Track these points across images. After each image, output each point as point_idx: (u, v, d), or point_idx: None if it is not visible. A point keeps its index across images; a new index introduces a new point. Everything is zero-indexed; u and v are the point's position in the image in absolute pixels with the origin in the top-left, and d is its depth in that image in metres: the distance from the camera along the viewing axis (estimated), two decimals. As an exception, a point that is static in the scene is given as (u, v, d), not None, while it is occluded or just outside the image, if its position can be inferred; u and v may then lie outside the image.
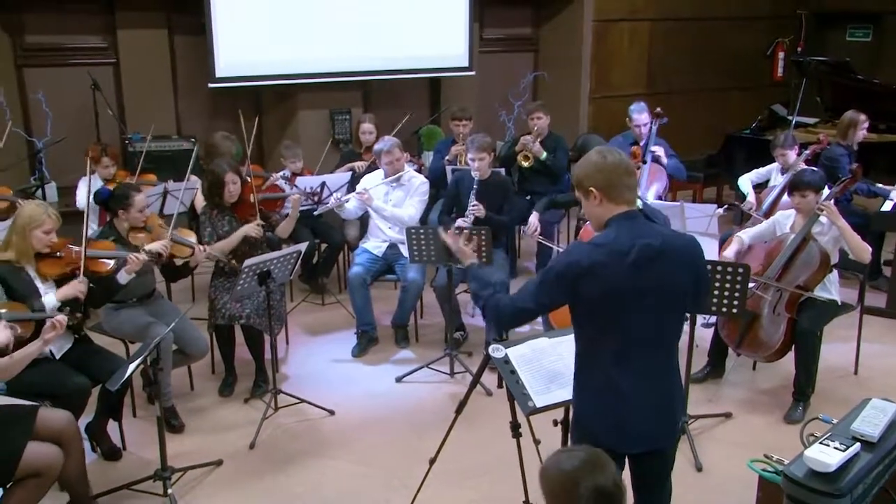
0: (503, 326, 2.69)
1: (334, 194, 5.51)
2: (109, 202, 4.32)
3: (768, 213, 5.33)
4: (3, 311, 3.31)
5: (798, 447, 2.72)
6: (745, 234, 4.68)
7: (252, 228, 4.66)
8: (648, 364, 2.51)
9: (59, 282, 3.81)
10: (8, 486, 3.15)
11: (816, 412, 3.35)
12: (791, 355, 4.43)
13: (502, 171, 5.96)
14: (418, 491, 3.60)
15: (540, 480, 2.10)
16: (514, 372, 2.99)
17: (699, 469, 3.91)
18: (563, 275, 2.46)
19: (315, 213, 5.50)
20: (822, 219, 4.43)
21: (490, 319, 2.70)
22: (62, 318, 3.40)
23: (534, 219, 5.43)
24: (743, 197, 6.04)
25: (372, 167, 5.93)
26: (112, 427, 4.09)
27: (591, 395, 2.56)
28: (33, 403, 3.45)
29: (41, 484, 3.15)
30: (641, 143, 6.16)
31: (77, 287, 3.73)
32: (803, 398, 4.41)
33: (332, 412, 4.48)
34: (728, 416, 4.43)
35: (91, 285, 3.86)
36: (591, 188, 2.49)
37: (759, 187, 6.35)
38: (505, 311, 2.64)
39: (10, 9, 6.72)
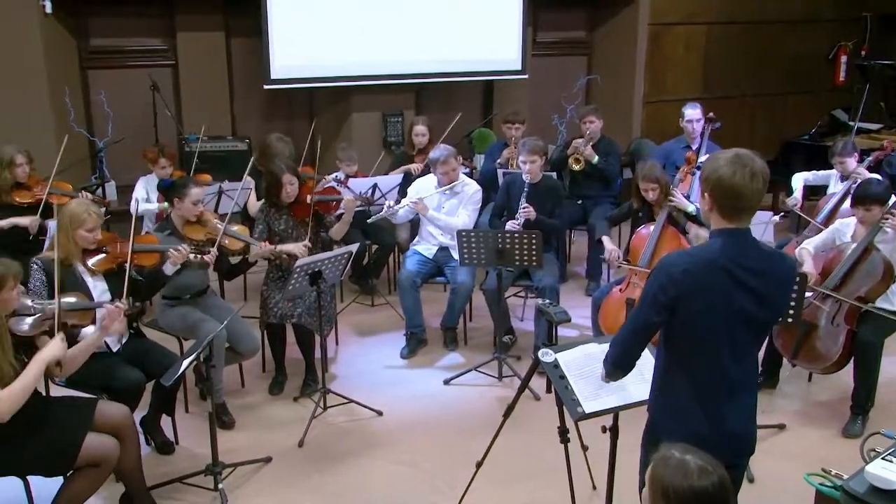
0: (620, 357, 2.59)
1: (387, 198, 5.53)
2: (170, 190, 4.44)
3: (827, 221, 5.20)
4: (67, 300, 3.41)
5: (856, 462, 2.65)
6: (810, 245, 4.55)
7: (298, 248, 4.64)
8: (732, 379, 2.46)
9: (108, 276, 3.90)
10: (68, 474, 3.24)
11: (876, 427, 3.25)
12: (849, 367, 4.32)
13: (553, 174, 5.92)
14: (464, 493, 3.60)
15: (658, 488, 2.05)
16: (563, 377, 2.96)
17: (751, 480, 3.82)
18: (663, 289, 2.39)
19: (368, 220, 5.53)
20: (888, 227, 4.28)
21: (613, 364, 2.60)
22: (121, 304, 3.49)
23: (609, 244, 5.06)
24: (791, 193, 5.92)
25: (427, 170, 5.94)
26: (165, 422, 4.18)
27: (672, 405, 2.51)
28: (92, 396, 3.55)
29: (99, 474, 3.24)
30: (694, 147, 6.08)
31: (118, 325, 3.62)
32: (862, 412, 4.28)
33: (380, 413, 4.50)
34: (782, 427, 4.33)
35: (139, 278, 3.97)
36: (707, 194, 2.41)
37: (816, 192, 6.20)
38: (614, 341, 2.57)
39: (76, 13, 6.93)
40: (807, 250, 4.51)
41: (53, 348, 3.16)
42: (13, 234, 5.02)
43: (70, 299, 3.47)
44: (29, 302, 3.25)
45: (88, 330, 3.51)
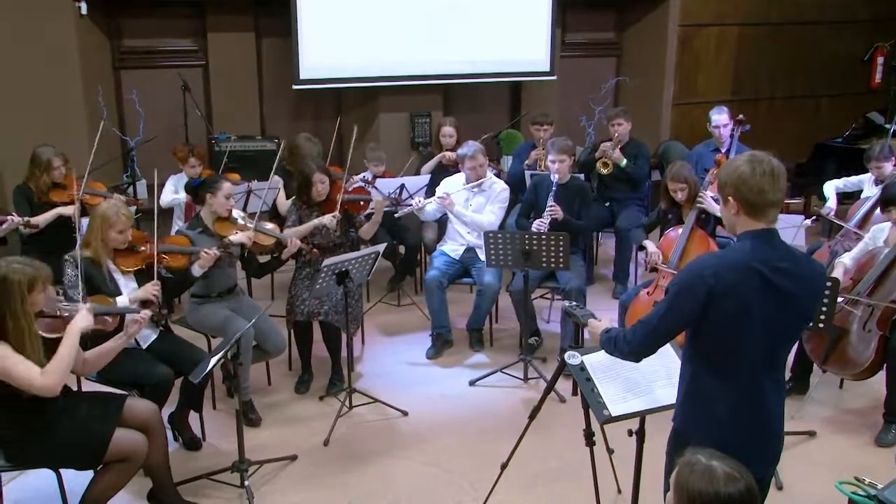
0: (637, 355, 2.58)
1: (414, 196, 5.55)
2: (199, 188, 4.48)
3: (860, 226, 5.12)
4: (91, 304, 3.46)
5: (890, 471, 2.61)
6: (848, 259, 4.48)
7: (325, 219, 4.72)
8: (761, 385, 2.42)
9: (138, 275, 3.95)
10: (98, 468, 3.29)
11: (909, 435, 3.20)
12: (882, 374, 4.24)
13: (581, 176, 5.90)
14: (489, 495, 3.60)
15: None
16: (589, 379, 2.95)
17: (780, 488, 3.77)
18: (694, 291, 2.34)
19: (395, 215, 5.55)
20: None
21: (618, 353, 2.61)
22: (146, 313, 3.53)
23: (652, 247, 4.92)
24: (825, 201, 5.85)
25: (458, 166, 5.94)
26: (193, 418, 4.22)
27: (698, 410, 2.47)
28: (122, 392, 3.60)
29: (128, 468, 3.29)
30: (723, 150, 6.03)
31: (149, 290, 3.84)
32: (895, 420, 4.21)
33: (405, 413, 4.51)
34: (812, 434, 4.26)
35: (169, 276, 4.00)
36: (731, 198, 2.38)
37: (849, 197, 6.11)
38: (630, 338, 2.52)
39: (110, 14, 7.03)
40: (843, 264, 4.44)
41: (83, 319, 3.19)
42: (55, 227, 5.07)
43: (98, 305, 3.51)
44: (59, 305, 3.29)
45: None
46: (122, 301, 3.78)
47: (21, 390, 3.04)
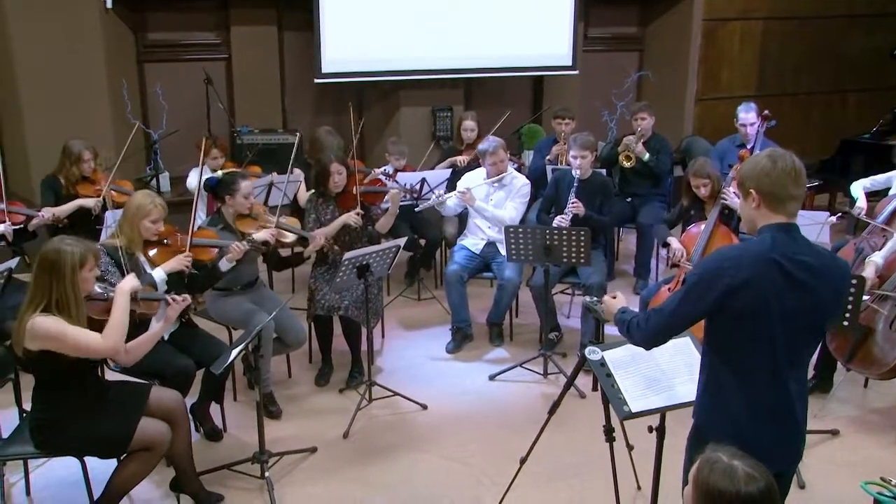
0: (648, 343, 2.58)
1: (434, 191, 5.55)
2: (217, 189, 4.49)
3: (889, 223, 5.04)
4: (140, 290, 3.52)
5: (915, 471, 2.57)
6: (879, 257, 4.42)
7: (351, 217, 4.74)
8: (782, 383, 2.39)
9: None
10: (122, 457, 3.33)
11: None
12: (908, 374, 4.19)
13: (603, 171, 5.87)
14: (508, 489, 3.59)
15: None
16: (609, 375, 2.93)
17: (802, 486, 3.74)
18: (712, 283, 2.33)
19: (416, 209, 5.55)
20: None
21: (630, 338, 2.60)
22: (186, 297, 3.56)
23: (676, 243, 4.81)
24: (854, 202, 5.74)
25: (473, 164, 5.94)
26: (214, 409, 4.25)
27: (719, 407, 2.45)
28: (146, 382, 3.64)
29: (152, 457, 3.33)
30: (749, 146, 5.96)
31: (182, 261, 3.92)
32: (920, 420, 4.16)
33: (424, 406, 4.52)
34: (835, 433, 4.22)
35: (194, 272, 4.02)
36: (752, 190, 2.37)
37: (876, 194, 6.02)
38: (643, 326, 2.51)
39: (135, 8, 7.09)
40: (874, 262, 4.37)
41: (129, 281, 3.32)
42: (76, 217, 5.12)
43: (144, 291, 3.56)
44: (98, 289, 3.34)
45: None
46: (157, 275, 3.83)
47: (57, 374, 3.13)
